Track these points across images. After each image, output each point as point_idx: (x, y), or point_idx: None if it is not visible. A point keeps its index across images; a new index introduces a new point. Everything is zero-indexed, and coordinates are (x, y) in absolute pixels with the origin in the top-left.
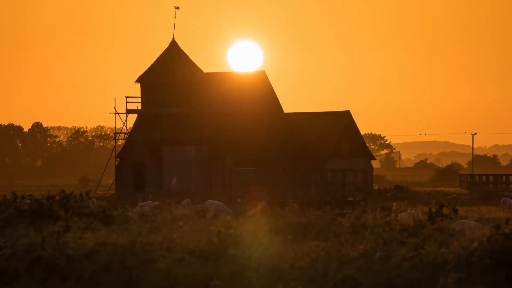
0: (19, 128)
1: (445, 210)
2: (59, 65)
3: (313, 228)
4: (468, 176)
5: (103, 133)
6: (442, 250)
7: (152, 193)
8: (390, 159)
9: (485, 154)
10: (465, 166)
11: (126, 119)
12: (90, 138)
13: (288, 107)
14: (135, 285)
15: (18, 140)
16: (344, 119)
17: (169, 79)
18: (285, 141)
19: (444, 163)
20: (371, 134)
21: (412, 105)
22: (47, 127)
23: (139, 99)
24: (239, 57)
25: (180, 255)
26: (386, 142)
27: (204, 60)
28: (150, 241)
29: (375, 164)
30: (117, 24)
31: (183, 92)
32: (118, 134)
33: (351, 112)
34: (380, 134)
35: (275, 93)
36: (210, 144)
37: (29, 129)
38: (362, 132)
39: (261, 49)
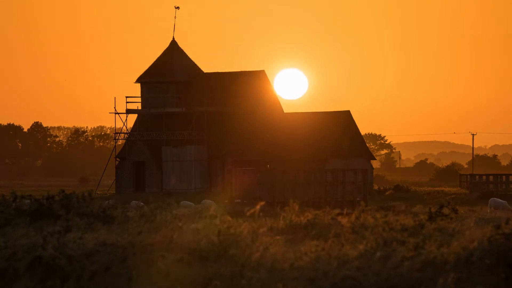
0: (19, 128)
1: (445, 210)
2: (59, 65)
3: (313, 228)
4: (468, 176)
5: (103, 133)
6: (442, 250)
7: (152, 193)
8: (390, 159)
9: (485, 154)
10: (465, 166)
11: (126, 119)
12: (90, 138)
13: (288, 107)
14: (135, 285)
15: (18, 140)
16: (344, 119)
17: (169, 79)
18: (285, 141)
19: (444, 163)
20: (371, 134)
21: (412, 105)
22: (47, 127)
23: (139, 99)
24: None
25: (180, 255)
26: (386, 142)
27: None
28: (150, 241)
29: (375, 164)
30: (117, 24)
31: (183, 92)
32: (118, 134)
33: (351, 112)
34: (380, 134)
35: (275, 93)
36: (210, 144)
37: (29, 129)
38: (362, 132)
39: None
